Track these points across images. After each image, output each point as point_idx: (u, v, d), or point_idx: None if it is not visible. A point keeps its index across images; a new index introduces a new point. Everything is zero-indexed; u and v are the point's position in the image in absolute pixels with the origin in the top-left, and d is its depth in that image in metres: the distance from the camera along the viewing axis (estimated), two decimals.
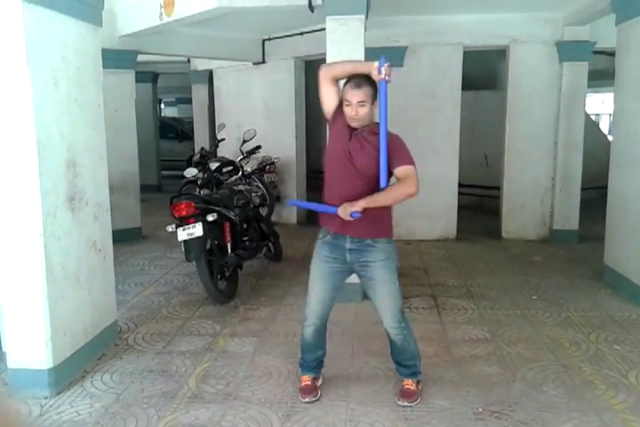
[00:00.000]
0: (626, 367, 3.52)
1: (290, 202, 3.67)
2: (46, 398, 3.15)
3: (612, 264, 5.21)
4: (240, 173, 6.81)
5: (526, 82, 6.92)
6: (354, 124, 2.89)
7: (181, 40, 7.26)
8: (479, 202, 8.99)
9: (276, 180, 8.08)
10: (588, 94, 7.43)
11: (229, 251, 4.89)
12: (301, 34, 7.39)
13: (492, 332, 4.13)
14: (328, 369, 3.34)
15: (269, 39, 8.08)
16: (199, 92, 10.81)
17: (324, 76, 2.93)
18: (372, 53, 4.96)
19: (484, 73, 9.34)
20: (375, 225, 2.92)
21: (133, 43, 6.72)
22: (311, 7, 4.84)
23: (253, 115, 8.51)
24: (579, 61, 6.73)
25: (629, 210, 4.88)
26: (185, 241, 4.54)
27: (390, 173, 2.87)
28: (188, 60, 10.00)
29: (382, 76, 2.76)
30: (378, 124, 2.86)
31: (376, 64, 2.79)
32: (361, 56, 4.60)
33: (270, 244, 5.92)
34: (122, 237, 6.19)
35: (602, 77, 9.23)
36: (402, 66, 6.83)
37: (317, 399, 3.13)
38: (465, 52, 6.93)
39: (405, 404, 3.06)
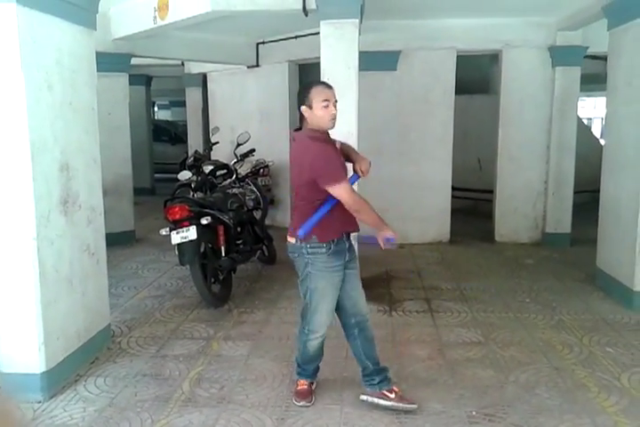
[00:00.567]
0: (618, 370, 3.54)
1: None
2: (39, 402, 3.14)
3: (604, 267, 5.24)
4: (234, 176, 6.80)
5: (519, 86, 6.96)
6: (331, 125, 2.88)
7: (175, 43, 7.26)
8: (472, 205, 9.02)
9: (270, 183, 8.09)
10: (580, 98, 7.47)
11: (223, 254, 4.89)
12: (295, 38, 7.40)
13: (486, 335, 4.15)
14: (322, 373, 3.34)
15: (263, 43, 8.09)
16: (193, 96, 10.82)
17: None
18: (365, 57, 4.99)
19: (477, 77, 9.39)
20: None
21: (127, 46, 6.72)
22: (305, 11, 4.85)
23: (247, 118, 8.52)
24: (571, 66, 6.78)
25: (621, 214, 4.91)
26: (179, 244, 4.54)
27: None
28: (182, 64, 9.99)
29: (383, 247, 2.90)
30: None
31: (389, 235, 2.87)
32: (355, 60, 4.63)
33: (264, 247, 5.91)
34: (115, 241, 6.17)
35: (594, 82, 9.29)
36: (395, 70, 6.87)
37: (311, 404, 3.13)
38: (458, 57, 6.96)
39: (416, 406, 3.05)
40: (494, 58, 7.62)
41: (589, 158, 8.20)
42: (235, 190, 6.33)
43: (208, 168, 6.89)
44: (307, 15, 4.91)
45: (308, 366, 3.20)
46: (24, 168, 3.02)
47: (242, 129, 7.73)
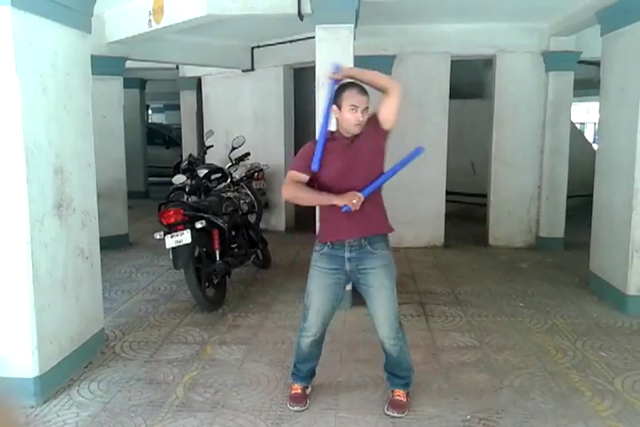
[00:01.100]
0: (612, 374, 3.55)
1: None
2: (32, 407, 3.11)
3: (597, 271, 5.27)
4: (229, 180, 6.80)
5: (513, 91, 7.00)
6: (356, 130, 2.87)
7: (170, 47, 7.27)
8: (466, 209, 9.04)
9: (265, 187, 8.08)
10: (573, 103, 7.52)
11: (218, 258, 4.88)
12: (290, 42, 7.42)
13: (480, 339, 4.15)
14: (317, 377, 3.33)
15: (258, 47, 8.10)
16: (187, 99, 10.81)
17: (286, 193, 2.90)
18: (360, 62, 5.00)
19: (471, 82, 9.43)
20: (365, 221, 2.89)
21: (122, 49, 6.71)
22: (301, 16, 4.87)
23: (242, 122, 8.52)
24: (564, 71, 6.82)
25: (614, 218, 4.94)
26: (173, 248, 4.53)
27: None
28: (177, 67, 9.99)
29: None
30: None
31: (340, 204, 2.77)
32: (350, 64, 4.63)
33: (259, 251, 5.91)
34: (109, 245, 6.15)
35: (587, 87, 9.36)
36: (390, 74, 6.88)
37: (306, 409, 3.12)
38: (452, 61, 7.00)
39: (395, 414, 3.03)
40: (488, 63, 7.65)
41: (582, 163, 8.24)
42: (229, 194, 6.33)
43: (202, 172, 6.88)
44: (302, 19, 4.93)
45: (302, 367, 3.19)
46: (18, 171, 3.01)
47: (236, 133, 7.73)
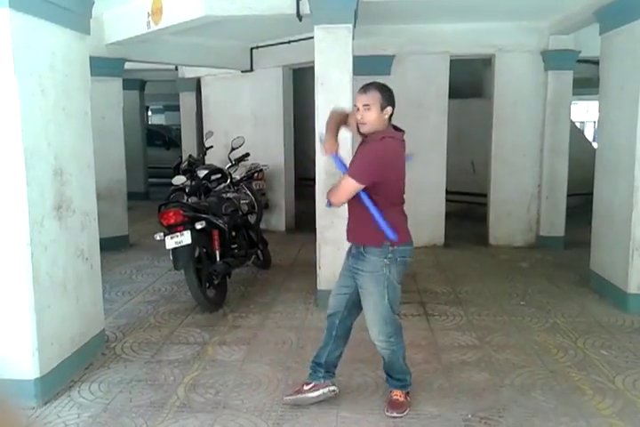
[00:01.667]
0: (613, 372, 3.55)
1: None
2: (33, 408, 3.12)
3: (598, 270, 5.26)
4: (228, 180, 6.79)
5: (512, 90, 7.00)
6: (363, 130, 2.91)
7: (169, 48, 7.26)
8: (466, 209, 9.04)
9: (265, 187, 8.08)
10: (573, 102, 7.52)
11: (218, 259, 4.88)
12: (289, 42, 7.41)
13: (481, 338, 4.15)
14: None
15: (257, 47, 8.10)
16: (187, 100, 10.81)
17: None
18: (359, 62, 5.01)
19: (470, 81, 9.43)
20: (363, 230, 2.99)
21: (121, 50, 6.72)
22: (299, 16, 4.87)
23: (242, 122, 8.52)
24: (564, 70, 6.82)
25: (615, 216, 4.93)
26: (173, 249, 4.53)
27: None
28: (176, 68, 9.99)
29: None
30: (386, 132, 2.94)
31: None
32: (349, 64, 4.64)
33: (259, 251, 5.91)
34: (109, 246, 6.14)
35: (586, 85, 9.35)
36: (389, 74, 6.88)
37: (293, 398, 3.14)
38: (451, 61, 7.00)
39: (394, 415, 3.03)
40: (487, 62, 7.65)
41: (582, 162, 8.24)
42: (229, 195, 6.31)
43: (202, 172, 6.87)
44: (300, 20, 4.92)
45: (320, 352, 3.20)
46: (17, 173, 3.01)
47: (236, 133, 7.72)
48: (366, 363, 3.66)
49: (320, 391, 3.14)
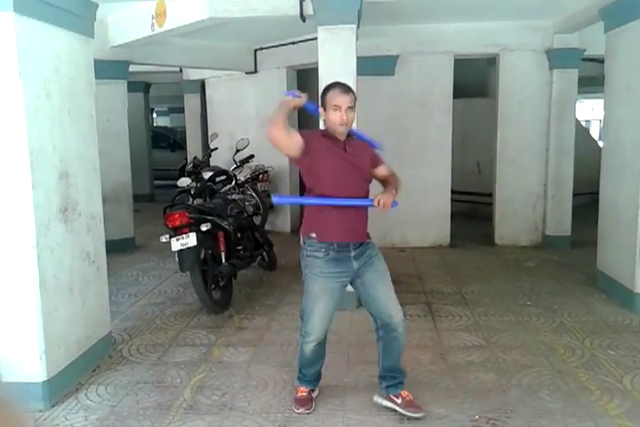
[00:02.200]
0: (620, 372, 3.53)
1: (275, 198, 3.25)
2: (40, 411, 3.13)
3: (604, 269, 5.24)
4: (233, 182, 6.81)
5: (517, 89, 6.98)
6: (341, 130, 2.88)
7: (173, 50, 7.29)
8: (472, 209, 9.02)
9: (270, 189, 8.08)
10: (578, 101, 7.49)
11: (223, 260, 4.88)
12: (293, 43, 7.43)
13: (487, 338, 4.14)
14: (324, 378, 3.32)
15: (261, 49, 8.12)
16: (191, 102, 10.83)
17: (277, 131, 2.78)
18: (363, 62, 5.00)
19: (474, 81, 9.41)
20: (366, 225, 3.02)
21: (125, 53, 6.74)
22: (303, 17, 4.87)
23: (246, 124, 8.52)
24: (568, 68, 6.80)
25: (621, 215, 4.91)
26: (179, 251, 4.53)
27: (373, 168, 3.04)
28: (181, 70, 10.01)
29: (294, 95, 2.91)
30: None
31: (288, 97, 2.93)
32: (353, 65, 4.63)
33: (264, 253, 5.90)
34: (115, 248, 6.16)
35: (592, 84, 9.31)
36: (393, 74, 6.89)
37: (310, 412, 3.10)
38: (456, 61, 6.98)
39: (423, 414, 3.00)
40: (492, 61, 7.63)
41: (588, 161, 8.21)
42: (234, 196, 6.34)
43: (207, 174, 6.89)
44: (304, 21, 4.92)
45: (307, 371, 3.18)
46: (23, 176, 3.02)
47: (240, 135, 7.74)
48: (372, 364, 3.62)
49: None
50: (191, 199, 6.58)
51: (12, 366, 3.15)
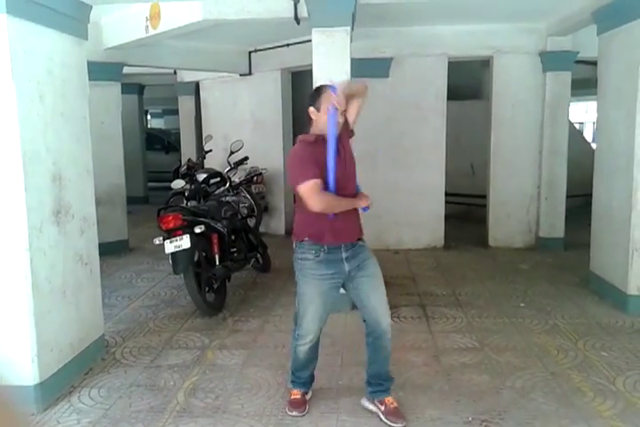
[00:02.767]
0: (613, 374, 3.54)
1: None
2: (32, 414, 3.11)
3: (598, 271, 5.26)
4: (227, 184, 6.80)
5: (510, 92, 7.00)
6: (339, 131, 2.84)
7: (168, 52, 7.28)
8: (466, 211, 9.04)
9: (264, 191, 8.08)
10: (571, 103, 7.52)
11: (217, 263, 4.87)
12: (287, 45, 7.43)
13: (481, 340, 4.14)
14: (318, 381, 3.32)
15: (256, 51, 8.12)
16: (186, 104, 10.83)
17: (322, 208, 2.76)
18: (357, 64, 5.02)
19: (468, 83, 9.44)
20: (358, 225, 3.01)
21: (119, 55, 6.73)
22: (297, 19, 4.88)
23: (241, 126, 8.52)
24: (562, 71, 6.83)
25: (614, 217, 4.93)
26: (172, 253, 4.52)
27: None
28: (175, 72, 10.01)
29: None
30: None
31: (362, 205, 2.90)
32: (347, 67, 4.64)
33: (258, 255, 5.90)
34: (108, 250, 6.15)
35: (585, 86, 9.35)
36: (387, 77, 6.90)
37: (304, 414, 3.09)
38: (449, 63, 7.01)
39: (403, 424, 2.96)
40: (485, 64, 7.66)
41: (581, 163, 8.25)
42: (228, 198, 6.32)
43: (201, 176, 6.88)
44: (298, 23, 4.93)
45: (301, 374, 3.17)
46: (16, 179, 3.01)
47: (235, 137, 7.73)
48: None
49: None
50: (185, 201, 6.57)
51: (4, 369, 3.13)
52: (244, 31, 6.76)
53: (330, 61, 4.65)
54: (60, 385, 3.35)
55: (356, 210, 2.96)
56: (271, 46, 7.79)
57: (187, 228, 4.57)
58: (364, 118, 6.66)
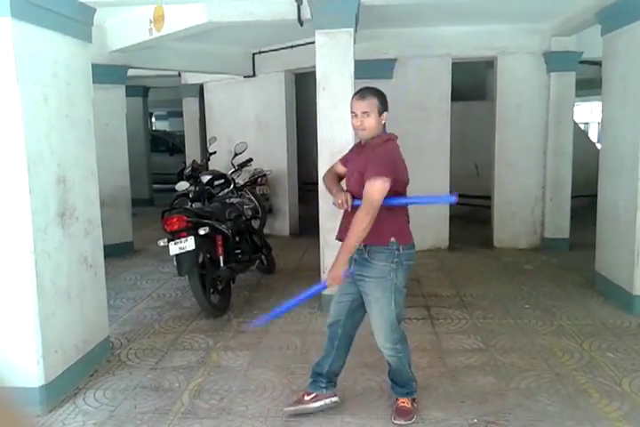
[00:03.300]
0: (619, 375, 3.52)
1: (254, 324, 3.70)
2: (38, 416, 3.12)
3: (603, 272, 5.24)
4: (232, 185, 6.81)
5: (515, 92, 6.99)
6: (362, 136, 2.93)
7: (172, 54, 7.30)
8: (470, 211, 9.02)
9: (268, 192, 8.10)
10: (576, 103, 7.50)
11: (222, 264, 4.88)
12: (291, 47, 7.44)
13: (486, 341, 4.13)
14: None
15: (259, 53, 8.13)
16: (190, 106, 10.84)
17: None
18: (361, 66, 5.01)
19: (472, 84, 9.43)
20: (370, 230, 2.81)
21: (123, 58, 6.75)
22: (300, 21, 4.88)
23: (245, 128, 8.54)
24: (566, 71, 6.82)
25: (619, 217, 4.91)
26: (177, 255, 4.53)
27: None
28: (179, 74, 10.03)
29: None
30: (387, 135, 2.96)
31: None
32: (350, 69, 4.64)
33: (263, 256, 5.91)
34: (113, 252, 6.17)
35: (590, 86, 9.33)
36: (391, 78, 6.88)
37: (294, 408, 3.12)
38: (453, 64, 7.00)
39: (402, 422, 3.00)
40: (489, 64, 7.65)
41: (586, 163, 8.22)
42: (233, 200, 6.33)
43: (206, 178, 6.90)
44: (302, 25, 4.94)
45: (321, 361, 3.15)
46: (21, 181, 3.02)
47: (239, 139, 7.75)
48: (371, 368, 3.65)
49: (322, 402, 3.12)
50: (190, 203, 6.58)
51: (9, 371, 3.15)
52: (248, 33, 6.78)
53: (333, 63, 4.65)
54: (65, 387, 3.36)
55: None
56: (275, 48, 7.81)
57: (191, 229, 4.58)
58: None
